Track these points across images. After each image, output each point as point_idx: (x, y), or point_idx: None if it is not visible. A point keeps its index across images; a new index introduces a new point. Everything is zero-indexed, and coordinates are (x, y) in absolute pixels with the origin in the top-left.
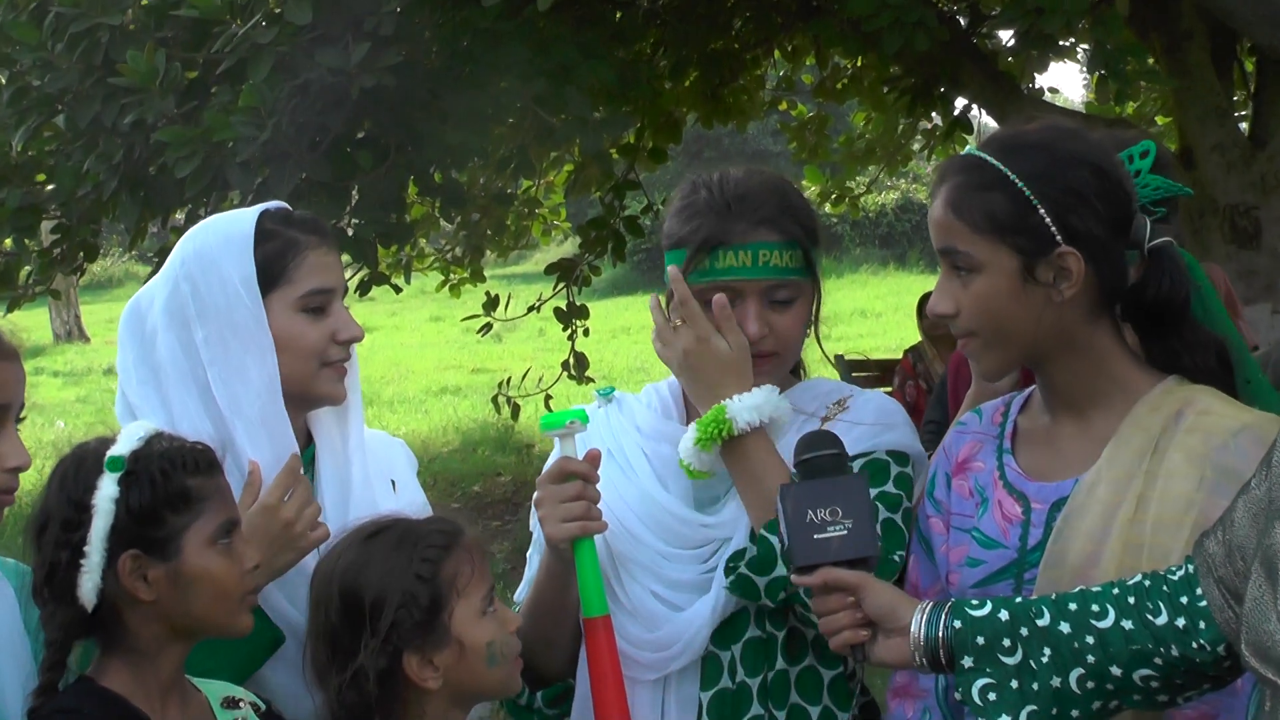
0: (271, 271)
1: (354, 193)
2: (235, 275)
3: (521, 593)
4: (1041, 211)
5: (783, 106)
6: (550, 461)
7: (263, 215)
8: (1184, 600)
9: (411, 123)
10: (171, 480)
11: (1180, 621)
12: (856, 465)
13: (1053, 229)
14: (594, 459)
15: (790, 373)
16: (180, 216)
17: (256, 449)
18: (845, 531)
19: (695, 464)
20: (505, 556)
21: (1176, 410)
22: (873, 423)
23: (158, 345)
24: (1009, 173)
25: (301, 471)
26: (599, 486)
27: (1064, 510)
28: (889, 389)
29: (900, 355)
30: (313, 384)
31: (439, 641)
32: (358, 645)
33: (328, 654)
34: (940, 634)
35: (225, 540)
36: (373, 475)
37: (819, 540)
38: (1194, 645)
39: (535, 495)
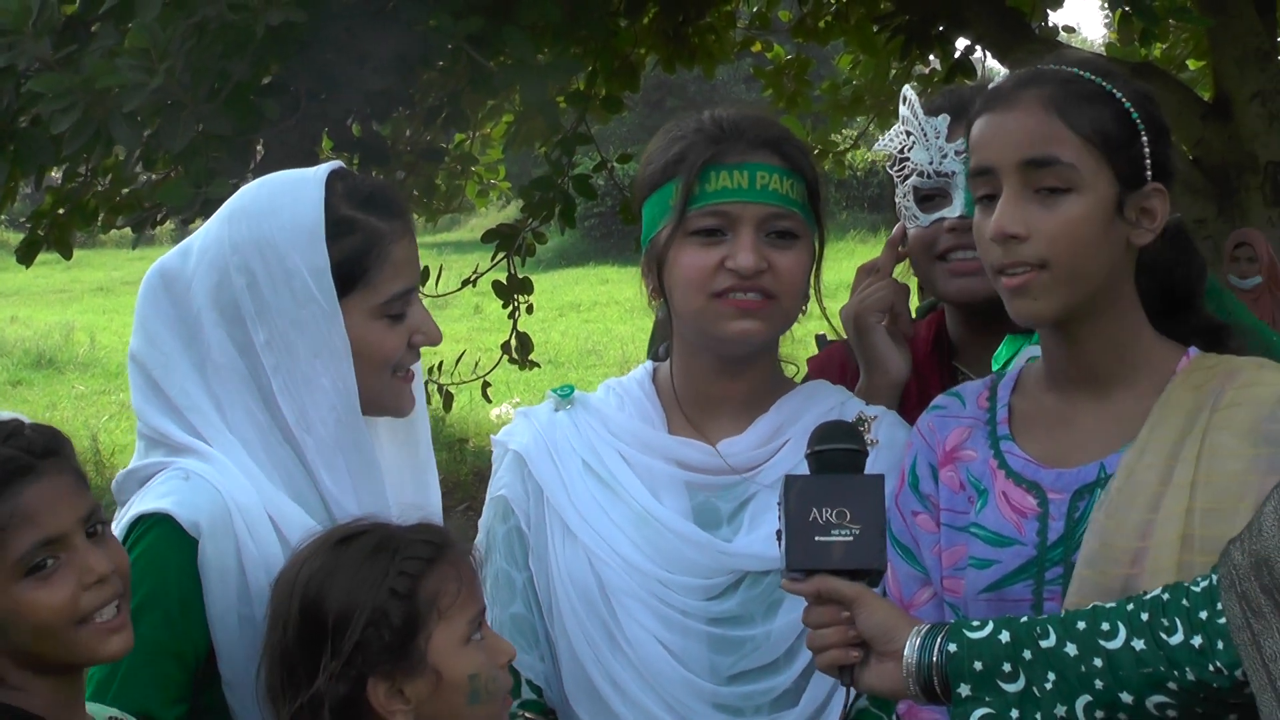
0: (351, 273)
1: (259, 148)
2: (305, 269)
3: None
4: (1145, 138)
5: (756, 48)
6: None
7: (330, 188)
8: (1203, 615)
9: (325, 66)
10: None
11: (1196, 640)
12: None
13: (1148, 160)
14: None
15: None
16: (57, 175)
17: (331, 473)
18: (851, 538)
19: None
20: None
21: (1215, 385)
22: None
23: (205, 338)
24: (1113, 89)
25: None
26: (576, 505)
27: (1102, 499)
28: None
29: None
30: (382, 396)
31: (412, 669)
32: (316, 668)
33: (282, 676)
34: (934, 659)
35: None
36: (433, 498)
37: (820, 543)
38: (1210, 669)
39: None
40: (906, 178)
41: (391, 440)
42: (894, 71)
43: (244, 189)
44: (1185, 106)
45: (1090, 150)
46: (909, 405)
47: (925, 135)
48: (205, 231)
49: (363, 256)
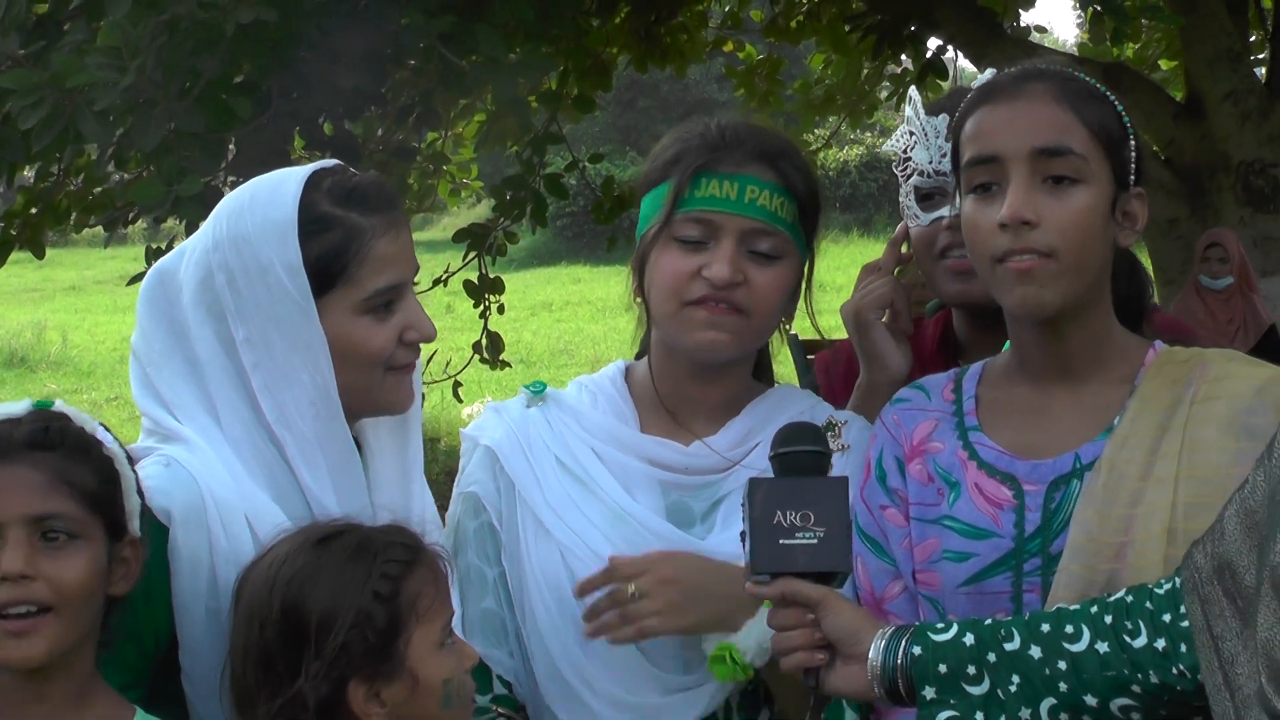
0: (329, 270)
1: (231, 146)
2: (279, 264)
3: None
4: (1133, 142)
5: (728, 48)
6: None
7: (314, 186)
8: (1166, 618)
9: (297, 65)
10: None
11: (1160, 643)
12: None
13: (1133, 165)
14: None
15: (755, 374)
16: (29, 174)
17: (312, 470)
18: (815, 541)
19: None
20: None
21: (1189, 377)
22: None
23: (192, 336)
24: (1106, 91)
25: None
26: (549, 501)
27: (1085, 492)
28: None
29: None
30: (374, 394)
31: (391, 672)
32: (297, 668)
33: (258, 676)
34: (899, 661)
35: None
36: (427, 500)
37: (785, 546)
38: (1173, 671)
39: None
40: (909, 177)
41: (390, 441)
42: (865, 71)
43: (236, 190)
44: (1157, 106)
45: (1097, 145)
46: None
47: (926, 135)
48: (199, 231)
49: (342, 252)
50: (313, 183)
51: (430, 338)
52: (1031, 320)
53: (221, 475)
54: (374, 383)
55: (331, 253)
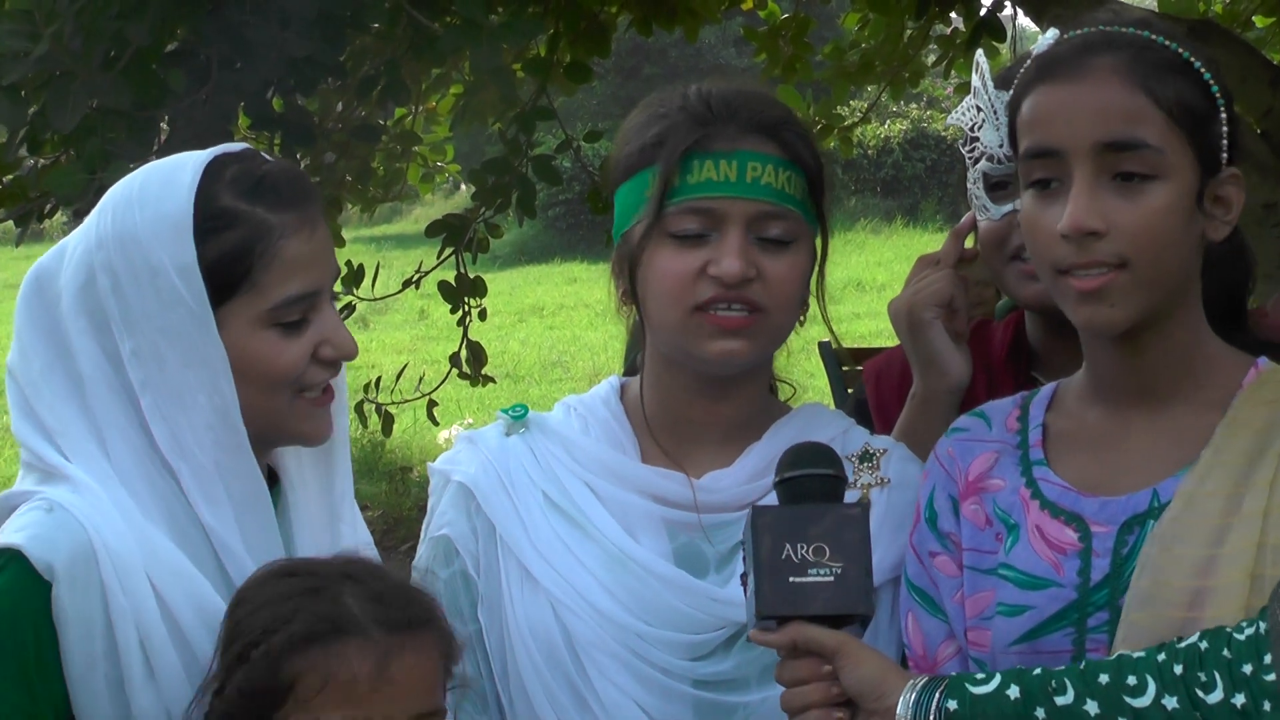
0: (230, 275)
1: (163, 125)
2: (171, 266)
3: None
4: (1223, 115)
5: (748, 5)
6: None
7: (215, 175)
8: (1246, 670)
9: (240, 29)
10: None
11: (1238, 700)
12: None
13: (1225, 142)
14: None
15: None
16: None
17: (212, 505)
18: (832, 578)
19: None
20: None
21: None
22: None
23: (74, 349)
24: (1190, 57)
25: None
26: (536, 545)
27: (1156, 530)
28: None
29: None
30: (283, 420)
31: None
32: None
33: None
34: (931, 717)
35: None
36: (360, 535)
37: (796, 585)
38: None
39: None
40: (976, 161)
41: (314, 472)
42: (909, 33)
43: (125, 177)
44: (1250, 72)
45: (1175, 131)
46: None
47: (996, 112)
48: (82, 225)
49: (244, 254)
50: (214, 171)
51: (350, 355)
52: (1112, 336)
53: (114, 520)
54: (281, 406)
55: (232, 254)
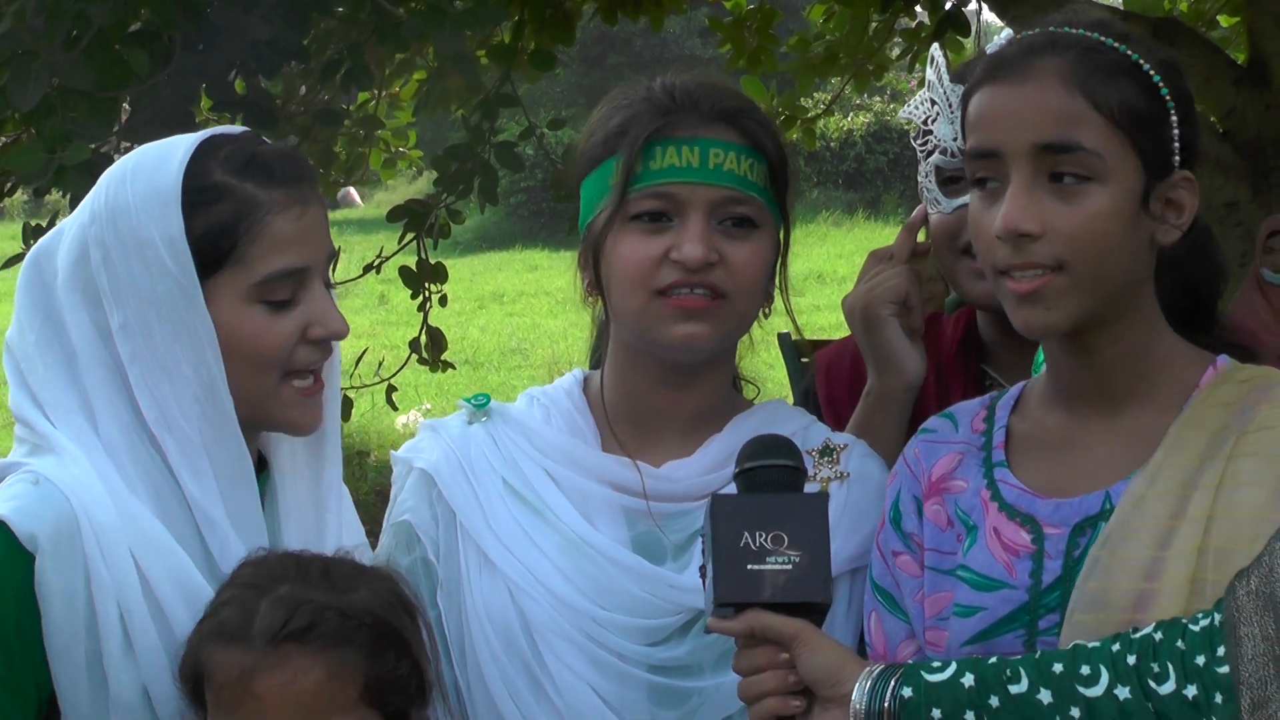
0: (216, 247)
1: (125, 106)
2: (159, 238)
3: None
4: (1174, 118)
5: None
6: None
7: (208, 153)
8: (1200, 661)
9: (203, 11)
10: None
11: (1190, 691)
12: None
13: (1176, 144)
14: None
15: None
16: None
17: (196, 477)
18: (790, 566)
19: None
20: None
21: (1247, 402)
22: (880, 480)
23: (67, 324)
24: (1139, 59)
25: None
26: (495, 531)
27: (1104, 532)
28: None
29: None
30: (271, 405)
31: None
32: None
33: None
34: (887, 705)
35: None
36: (348, 526)
37: (753, 572)
38: None
39: None
40: (929, 154)
41: (305, 461)
42: (874, 25)
43: (125, 156)
44: (1215, 71)
45: (1116, 134)
46: (928, 414)
47: (951, 105)
48: (80, 205)
49: (230, 228)
50: (207, 149)
51: (341, 335)
52: (1050, 339)
53: (99, 493)
54: (269, 389)
55: (219, 228)
